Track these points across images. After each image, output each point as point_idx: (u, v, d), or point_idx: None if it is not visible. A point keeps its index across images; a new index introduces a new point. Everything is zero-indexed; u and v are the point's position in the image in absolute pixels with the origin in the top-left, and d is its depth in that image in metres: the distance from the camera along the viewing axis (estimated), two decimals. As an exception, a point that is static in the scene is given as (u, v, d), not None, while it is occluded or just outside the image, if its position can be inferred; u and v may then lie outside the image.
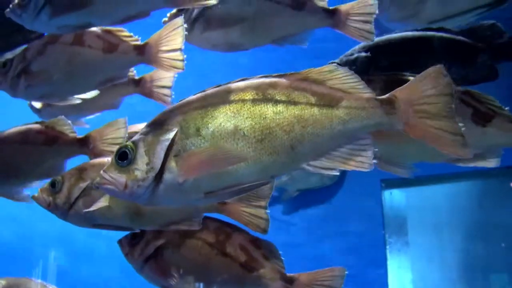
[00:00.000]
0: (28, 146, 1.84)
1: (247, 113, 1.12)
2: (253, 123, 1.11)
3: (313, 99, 1.12)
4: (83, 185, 1.61)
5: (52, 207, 1.65)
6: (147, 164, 1.14)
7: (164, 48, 1.60)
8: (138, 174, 1.14)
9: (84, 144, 1.83)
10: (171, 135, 1.13)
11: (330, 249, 3.83)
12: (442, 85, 1.10)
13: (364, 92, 1.13)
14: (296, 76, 1.16)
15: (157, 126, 1.17)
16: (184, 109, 1.16)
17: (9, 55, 1.89)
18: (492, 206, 3.86)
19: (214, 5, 1.70)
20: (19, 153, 1.84)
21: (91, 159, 1.90)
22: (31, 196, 1.66)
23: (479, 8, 1.77)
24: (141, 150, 1.15)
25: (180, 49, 1.57)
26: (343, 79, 1.13)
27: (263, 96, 1.13)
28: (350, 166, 1.10)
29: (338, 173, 1.09)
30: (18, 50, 1.91)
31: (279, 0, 1.72)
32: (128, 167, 1.15)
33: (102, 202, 1.56)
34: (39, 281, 2.04)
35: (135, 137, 1.19)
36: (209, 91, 1.18)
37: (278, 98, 1.12)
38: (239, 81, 1.18)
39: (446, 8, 1.81)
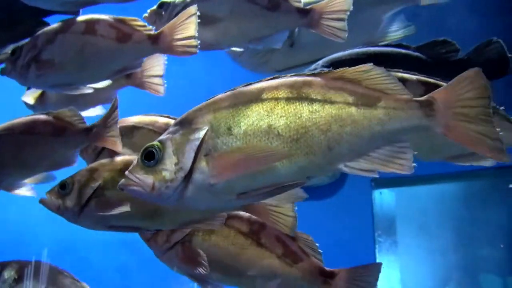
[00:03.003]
0: (35, 137, 1.78)
1: (281, 112, 1.08)
2: (288, 122, 1.07)
3: (350, 99, 1.09)
4: (94, 185, 1.53)
5: (61, 210, 1.56)
6: (176, 164, 1.09)
7: (178, 36, 1.59)
8: (166, 174, 1.09)
9: (90, 133, 1.78)
10: (201, 134, 1.09)
11: (320, 247, 3.83)
12: (480, 88, 1.08)
13: (402, 93, 1.10)
14: (330, 75, 1.12)
15: (186, 124, 1.12)
16: (214, 107, 1.12)
17: (12, 46, 1.83)
18: (481, 207, 3.91)
19: (191, 3, 1.70)
20: (25, 143, 1.78)
21: (95, 147, 1.85)
22: (39, 200, 1.58)
23: (318, 60, 1.90)
24: (169, 149, 1.11)
25: (194, 36, 1.56)
26: (380, 79, 1.10)
27: (298, 94, 1.09)
28: (390, 169, 1.07)
29: (377, 175, 1.07)
30: (22, 42, 1.86)
31: (255, 1, 1.73)
32: (155, 168, 1.10)
33: (125, 207, 1.49)
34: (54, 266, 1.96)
35: (162, 136, 1.14)
36: (240, 89, 1.14)
37: (314, 97, 1.09)
38: (270, 79, 1.14)
39: (291, 59, 1.95)
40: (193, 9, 1.57)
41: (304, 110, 1.08)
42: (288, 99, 1.09)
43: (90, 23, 1.68)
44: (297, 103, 1.09)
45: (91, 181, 1.54)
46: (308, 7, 1.71)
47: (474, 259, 3.87)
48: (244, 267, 1.62)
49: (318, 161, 1.08)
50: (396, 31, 2.04)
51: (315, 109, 1.08)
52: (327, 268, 1.62)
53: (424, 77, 1.42)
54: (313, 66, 1.90)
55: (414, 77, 1.43)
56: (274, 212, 1.42)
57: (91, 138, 1.77)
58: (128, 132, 1.79)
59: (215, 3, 1.63)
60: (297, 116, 1.08)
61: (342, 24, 1.63)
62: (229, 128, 1.09)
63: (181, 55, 1.60)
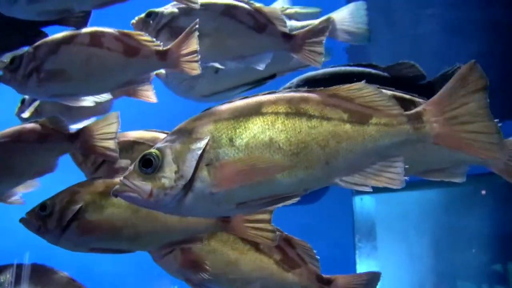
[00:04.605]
0: (20, 144, 1.78)
1: (281, 126, 1.11)
2: (289, 136, 1.11)
3: (345, 116, 1.12)
4: (75, 208, 1.52)
5: (42, 232, 1.55)
6: (176, 172, 1.11)
7: (184, 52, 1.60)
8: (166, 182, 1.11)
9: (74, 140, 1.78)
10: (202, 143, 1.11)
11: (301, 252, 3.87)
12: (473, 80, 1.08)
13: (393, 109, 1.13)
14: (325, 92, 1.16)
15: (185, 134, 1.14)
16: (214, 118, 1.14)
17: (9, 55, 1.83)
18: (460, 213, 4.00)
19: (179, 17, 1.78)
20: (11, 151, 1.79)
21: (81, 155, 1.85)
22: (19, 219, 1.58)
23: (243, 85, 2.02)
24: (169, 157, 1.12)
25: (196, 51, 1.58)
26: (372, 96, 1.14)
27: (296, 110, 1.13)
28: (381, 183, 1.11)
29: (371, 190, 1.11)
30: (20, 50, 1.86)
31: (241, 20, 1.78)
32: (154, 175, 1.12)
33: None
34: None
35: (160, 144, 1.15)
36: (238, 102, 1.17)
37: (311, 113, 1.13)
38: (267, 93, 1.18)
39: (215, 85, 2.04)
40: (193, 24, 1.59)
41: (303, 126, 1.12)
42: (287, 114, 1.13)
43: (96, 35, 1.68)
44: (296, 118, 1.12)
45: (72, 203, 1.54)
46: (292, 33, 1.77)
47: (453, 265, 3.95)
48: (242, 272, 1.63)
49: (317, 175, 1.12)
50: None
51: (314, 125, 1.12)
52: (324, 275, 1.64)
53: (400, 93, 1.44)
54: (287, 84, 1.95)
55: (389, 92, 1.46)
56: (252, 229, 1.43)
57: (80, 147, 1.78)
58: (128, 147, 1.79)
59: (201, 19, 1.63)
60: (297, 131, 1.11)
61: (320, 49, 1.71)
62: (231, 140, 1.12)
63: (188, 72, 1.62)
